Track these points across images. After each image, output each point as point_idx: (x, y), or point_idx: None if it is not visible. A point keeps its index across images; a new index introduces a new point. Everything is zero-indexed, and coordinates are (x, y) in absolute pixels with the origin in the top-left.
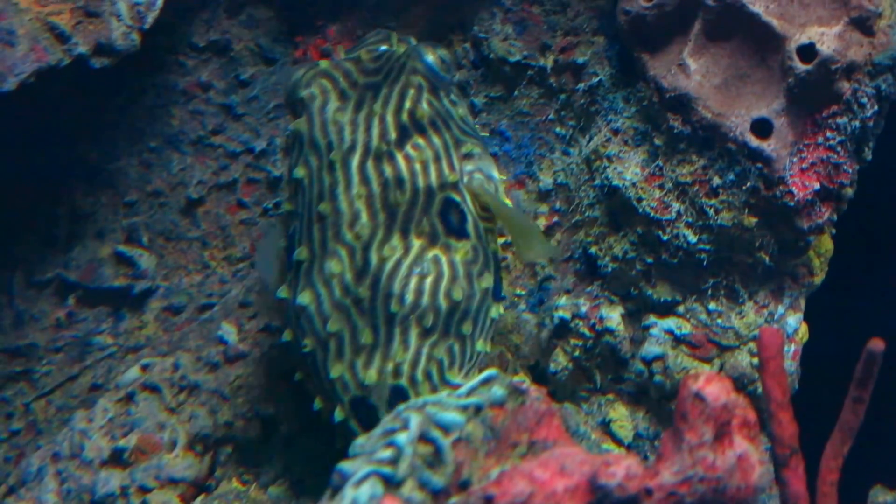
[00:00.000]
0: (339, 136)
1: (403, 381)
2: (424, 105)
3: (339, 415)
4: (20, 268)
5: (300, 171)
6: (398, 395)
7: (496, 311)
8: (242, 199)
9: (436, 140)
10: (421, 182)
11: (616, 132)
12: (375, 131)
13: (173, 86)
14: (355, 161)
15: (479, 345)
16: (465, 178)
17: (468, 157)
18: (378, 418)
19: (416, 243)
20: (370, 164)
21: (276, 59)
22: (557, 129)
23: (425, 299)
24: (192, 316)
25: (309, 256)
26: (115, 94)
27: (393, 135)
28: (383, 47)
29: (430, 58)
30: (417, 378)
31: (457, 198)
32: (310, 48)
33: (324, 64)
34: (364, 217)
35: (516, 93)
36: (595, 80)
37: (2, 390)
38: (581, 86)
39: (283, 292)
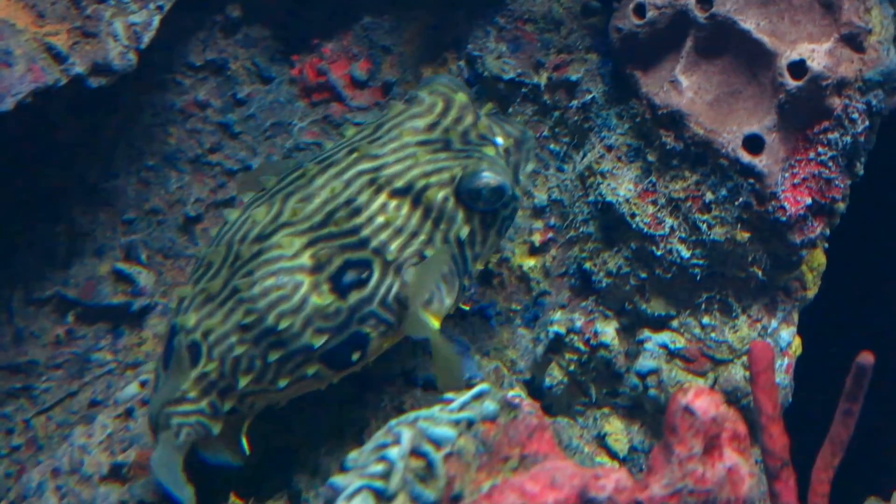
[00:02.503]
0: (385, 143)
1: (203, 344)
2: (439, 195)
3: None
4: (20, 285)
5: (349, 131)
6: (194, 350)
7: (312, 369)
8: None
9: (415, 221)
10: (367, 230)
11: (609, 149)
12: (397, 167)
13: (171, 104)
14: (362, 167)
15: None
16: (403, 270)
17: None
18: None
19: (304, 259)
20: (363, 180)
21: (273, 78)
22: (552, 146)
23: (262, 303)
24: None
25: (269, 188)
26: (113, 114)
27: (400, 183)
28: (499, 139)
29: (485, 176)
30: (213, 354)
31: (374, 268)
32: (306, 66)
33: (459, 96)
34: (311, 205)
35: (510, 110)
36: (588, 97)
37: (2, 406)
38: (574, 103)
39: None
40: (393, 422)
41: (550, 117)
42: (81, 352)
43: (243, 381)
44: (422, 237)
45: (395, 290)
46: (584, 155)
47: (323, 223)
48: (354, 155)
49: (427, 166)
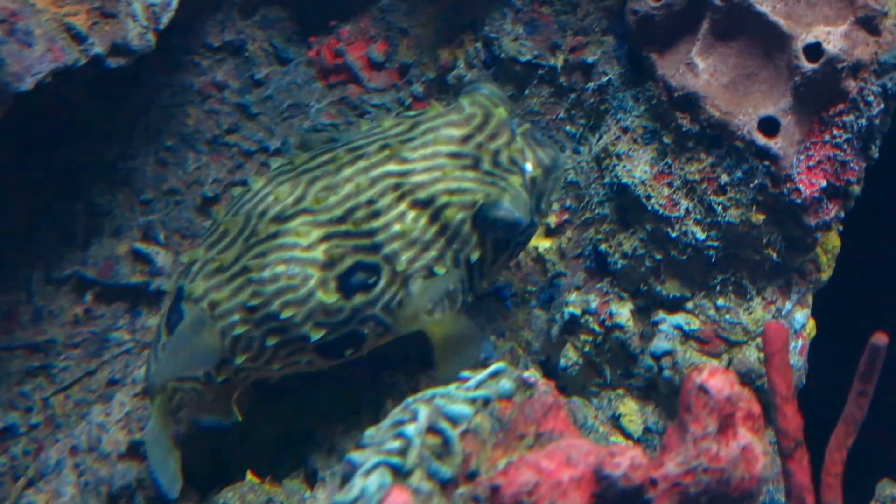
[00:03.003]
0: (417, 146)
1: (204, 306)
2: (458, 216)
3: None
4: (39, 264)
5: (387, 122)
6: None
7: (305, 358)
8: None
9: (430, 235)
10: (381, 236)
11: (625, 131)
12: (423, 177)
13: (189, 86)
14: (389, 168)
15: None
16: (411, 281)
17: (431, 275)
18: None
19: (317, 253)
20: (388, 183)
21: (290, 60)
22: (568, 128)
23: (269, 288)
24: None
25: (298, 165)
26: (132, 94)
27: (422, 194)
28: (528, 165)
29: (503, 210)
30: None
31: (382, 275)
32: (323, 48)
33: (500, 111)
34: (335, 196)
35: (527, 92)
36: (605, 79)
37: (21, 385)
38: (591, 85)
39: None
40: (410, 399)
41: (567, 99)
42: (100, 331)
43: (240, 359)
44: (433, 252)
45: (398, 298)
46: (600, 137)
47: (342, 219)
48: (386, 153)
49: (452, 183)
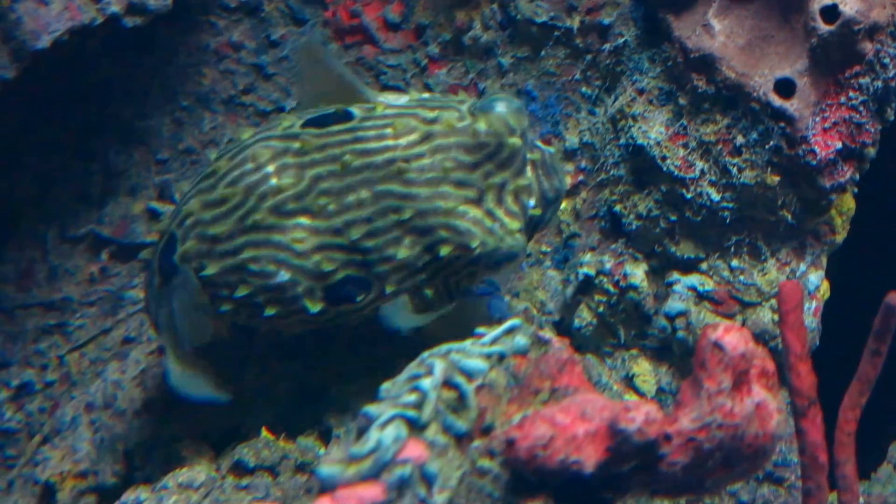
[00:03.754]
0: (424, 165)
1: (177, 232)
2: (451, 254)
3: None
4: (55, 223)
5: (400, 122)
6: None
7: (298, 328)
8: None
9: (420, 263)
10: (375, 256)
11: (641, 92)
12: (422, 205)
13: (205, 46)
14: (393, 187)
15: None
16: (399, 294)
17: (419, 293)
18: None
19: (309, 264)
20: (388, 202)
21: (306, 20)
22: (583, 90)
23: (257, 282)
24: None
25: (307, 149)
26: (148, 54)
27: (421, 223)
28: (531, 202)
29: (501, 254)
30: (188, 237)
31: (372, 290)
32: (339, 9)
33: (513, 140)
34: (338, 203)
35: (543, 53)
36: (620, 40)
37: (36, 343)
38: (607, 46)
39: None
40: (426, 353)
41: (582, 60)
42: (115, 289)
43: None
44: (423, 277)
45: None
46: (616, 98)
47: (339, 231)
48: (392, 168)
49: (452, 219)
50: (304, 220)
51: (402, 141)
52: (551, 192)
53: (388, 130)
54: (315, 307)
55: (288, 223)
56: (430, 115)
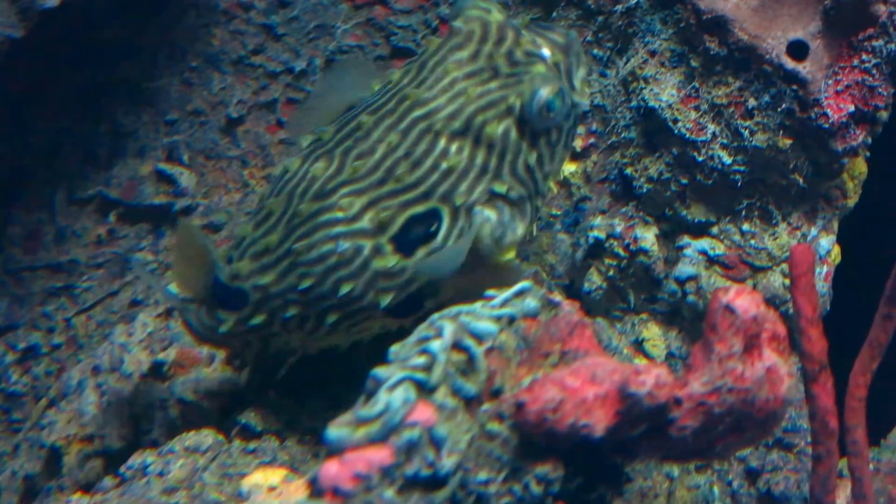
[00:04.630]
0: (434, 82)
1: (252, 296)
2: (500, 128)
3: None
4: (62, 185)
5: (395, 75)
6: (240, 297)
7: (377, 324)
8: (282, 118)
9: (480, 159)
10: (431, 179)
11: (653, 54)
12: (451, 108)
13: (214, 6)
14: (415, 114)
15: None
16: (476, 210)
17: (496, 197)
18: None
19: (364, 222)
20: (418, 129)
21: None
22: (595, 51)
23: (319, 268)
24: (232, 233)
25: (327, 139)
26: (157, 14)
27: (457, 124)
28: (545, 51)
29: (543, 94)
30: (260, 308)
31: (444, 216)
32: None
33: (495, 16)
34: (371, 161)
35: (554, 14)
36: (633, 1)
37: (43, 305)
38: (619, 7)
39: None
40: (435, 315)
41: (594, 22)
42: (123, 252)
43: (295, 339)
44: (489, 174)
45: (453, 233)
46: (628, 60)
47: (383, 180)
48: (406, 103)
49: (480, 101)
50: (345, 189)
51: (403, 81)
52: (560, 38)
53: (389, 86)
54: (388, 261)
55: (331, 200)
56: (417, 55)
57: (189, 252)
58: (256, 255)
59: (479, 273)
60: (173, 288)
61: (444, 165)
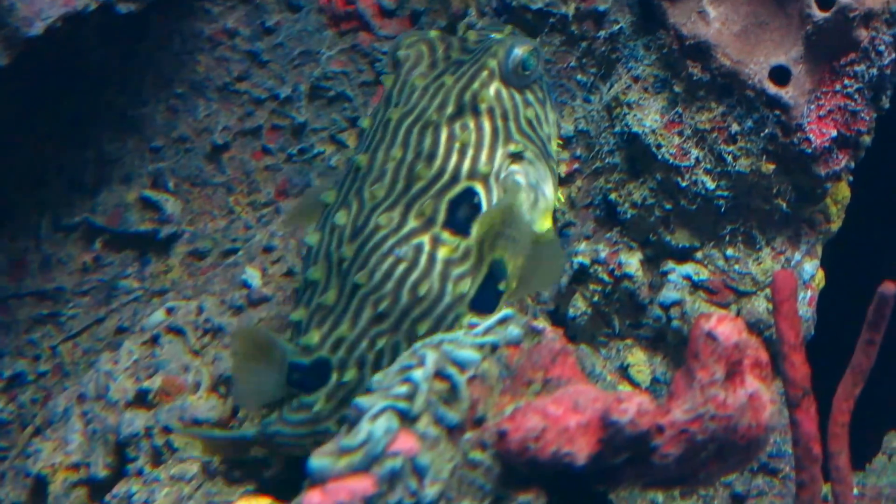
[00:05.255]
0: (408, 99)
1: (333, 358)
2: (490, 91)
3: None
4: (48, 212)
5: (365, 122)
6: (321, 367)
7: (468, 319)
8: (267, 145)
9: (486, 126)
10: (451, 163)
11: (636, 79)
12: (436, 101)
13: (199, 32)
14: (405, 124)
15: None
16: (503, 175)
17: (517, 157)
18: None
19: (411, 223)
20: (416, 131)
21: (301, 7)
22: (579, 77)
23: (390, 284)
24: (217, 260)
25: (334, 201)
26: (142, 41)
27: (449, 109)
28: (494, 35)
29: (518, 51)
30: (348, 362)
31: (479, 190)
32: None
33: (432, 33)
34: (386, 179)
35: (538, 40)
36: (616, 27)
37: (29, 333)
38: (602, 33)
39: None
40: (418, 344)
41: (578, 48)
42: (108, 279)
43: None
44: (500, 138)
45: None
46: (611, 86)
47: (408, 186)
48: (392, 124)
49: (461, 81)
50: (376, 213)
51: (379, 116)
52: (504, 30)
53: (369, 130)
54: (451, 244)
55: (369, 229)
56: (383, 97)
57: (252, 354)
58: (321, 320)
59: (531, 252)
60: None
61: (458, 146)
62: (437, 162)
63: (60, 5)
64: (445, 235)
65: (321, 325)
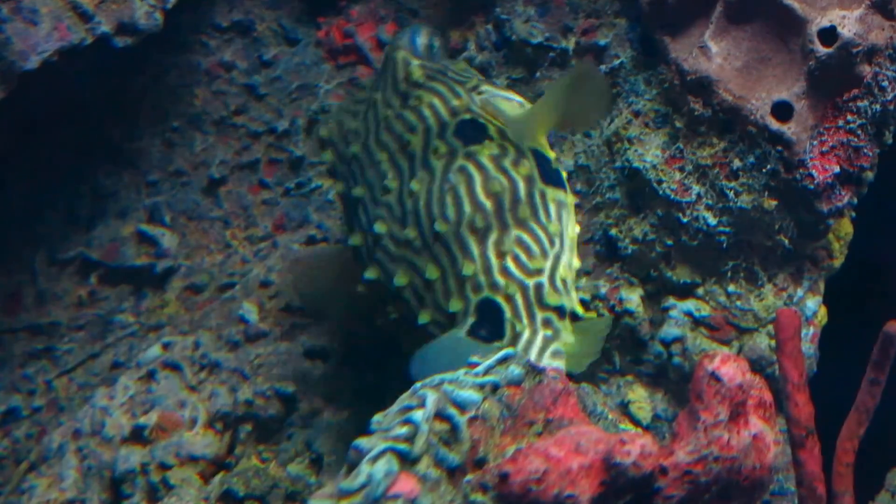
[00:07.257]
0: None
1: (486, 293)
2: (415, 69)
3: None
4: (43, 246)
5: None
6: (488, 309)
7: (555, 193)
8: (264, 179)
9: (437, 86)
10: (431, 120)
11: (637, 114)
12: (381, 108)
13: (196, 66)
14: (382, 132)
15: (553, 227)
16: (478, 99)
17: (476, 89)
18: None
19: (438, 165)
20: (388, 130)
21: (299, 40)
22: None
23: (466, 206)
24: (214, 295)
25: (363, 194)
26: (139, 74)
27: (396, 102)
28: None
29: (420, 40)
30: (498, 282)
31: (468, 117)
32: (332, 29)
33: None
34: (389, 174)
35: (538, 74)
36: (617, 62)
37: (24, 367)
38: (603, 68)
39: (354, 240)
40: (418, 384)
41: None
42: (104, 313)
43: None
44: (453, 89)
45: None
46: (612, 120)
47: (411, 158)
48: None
49: (389, 80)
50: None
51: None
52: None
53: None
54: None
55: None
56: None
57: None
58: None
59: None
60: None
61: (428, 99)
62: (420, 127)
63: (56, 39)
64: (474, 147)
65: (448, 294)
